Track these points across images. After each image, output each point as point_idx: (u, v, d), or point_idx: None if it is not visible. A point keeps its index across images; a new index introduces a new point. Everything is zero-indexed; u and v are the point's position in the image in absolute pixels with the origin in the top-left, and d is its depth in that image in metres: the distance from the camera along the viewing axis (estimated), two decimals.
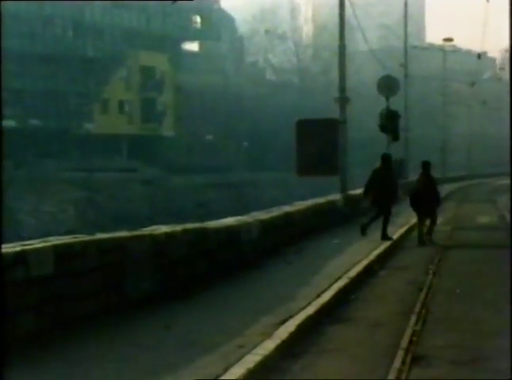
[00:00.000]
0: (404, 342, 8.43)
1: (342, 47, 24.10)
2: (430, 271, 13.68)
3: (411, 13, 56.77)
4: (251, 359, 7.31)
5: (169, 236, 10.85)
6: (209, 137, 74.94)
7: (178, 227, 11.41)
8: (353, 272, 12.73)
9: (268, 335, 8.21)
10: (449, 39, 65.73)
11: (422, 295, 11.32)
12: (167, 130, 71.50)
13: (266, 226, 15.17)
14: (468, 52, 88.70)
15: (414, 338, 8.66)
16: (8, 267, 7.49)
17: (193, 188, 61.68)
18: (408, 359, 7.78)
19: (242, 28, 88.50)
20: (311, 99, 75.72)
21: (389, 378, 7.26)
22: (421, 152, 50.87)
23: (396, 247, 17.64)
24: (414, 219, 20.88)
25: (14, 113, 56.44)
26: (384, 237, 17.68)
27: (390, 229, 18.21)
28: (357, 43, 66.05)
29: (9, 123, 51.72)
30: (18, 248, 7.82)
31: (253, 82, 79.85)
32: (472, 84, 67.03)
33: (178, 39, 75.92)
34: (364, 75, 68.94)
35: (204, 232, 12.17)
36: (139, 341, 8.11)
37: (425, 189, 18.34)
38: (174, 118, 72.49)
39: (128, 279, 9.69)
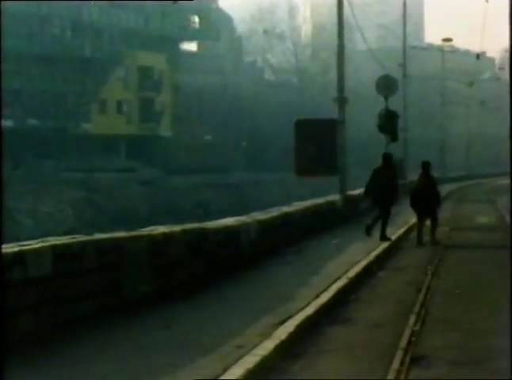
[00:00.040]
0: (403, 342, 8.42)
1: (341, 47, 24.08)
2: (429, 272, 13.66)
3: (410, 12, 56.82)
4: (250, 360, 7.29)
5: (167, 236, 10.84)
6: (208, 137, 74.91)
7: (177, 227, 11.40)
8: (352, 273, 12.72)
9: (267, 335, 8.20)
10: (448, 40, 65.79)
11: (421, 296, 11.31)
12: (165, 130, 71.48)
13: (265, 226, 15.16)
14: (467, 52, 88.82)
15: (413, 338, 8.65)
16: (6, 268, 7.47)
17: (192, 188, 61.66)
18: (407, 360, 7.77)
19: (241, 27, 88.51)
20: (309, 99, 75.75)
21: (388, 378, 7.25)
22: (419, 152, 50.94)
23: (395, 247, 17.62)
24: (413, 220, 20.89)
25: (12, 113, 56.42)
26: (383, 237, 17.67)
27: (389, 230, 18.19)
28: (356, 43, 66.17)
29: (6, 123, 51.66)
30: (16, 249, 7.80)
31: (251, 82, 79.89)
32: (471, 84, 67.08)
33: (176, 39, 75.90)
34: (363, 75, 68.94)
35: (202, 232, 12.16)
36: (138, 341, 8.10)
37: (425, 189, 18.35)
38: (173, 118, 72.46)
39: (126, 280, 9.67)
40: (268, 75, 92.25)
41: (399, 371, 7.40)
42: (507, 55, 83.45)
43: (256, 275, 12.76)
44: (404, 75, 45.76)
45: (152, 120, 70.22)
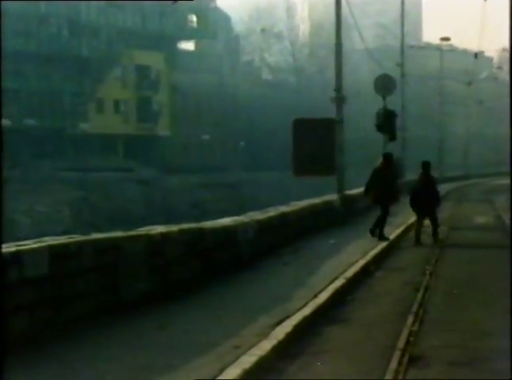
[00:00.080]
0: (401, 342, 8.41)
1: (339, 46, 24.03)
2: (427, 272, 13.64)
3: (408, 11, 56.72)
4: (247, 360, 7.28)
5: (165, 236, 10.81)
6: (205, 136, 74.88)
7: (174, 227, 11.37)
8: (349, 273, 12.70)
9: (264, 335, 8.18)
10: (446, 39, 65.72)
11: (419, 296, 11.29)
12: (163, 129, 71.42)
13: (263, 226, 15.13)
14: (465, 52, 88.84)
15: (411, 338, 8.64)
16: (3, 268, 7.44)
17: (189, 187, 61.64)
18: (405, 360, 7.76)
19: (238, 27, 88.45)
20: (307, 98, 75.68)
21: (386, 378, 7.24)
22: (418, 151, 50.96)
23: (393, 247, 17.61)
24: (411, 219, 20.88)
25: (9, 113, 56.31)
26: (381, 237, 17.66)
27: (387, 229, 18.19)
28: (354, 42, 66.01)
29: (4, 122, 51.55)
30: (13, 249, 7.77)
31: (249, 81, 79.85)
32: (469, 83, 67.08)
33: (174, 39, 75.82)
34: (361, 74, 68.98)
35: (200, 232, 12.13)
36: (135, 341, 8.08)
37: (425, 189, 18.39)
38: (170, 117, 72.40)
39: (123, 280, 9.64)
40: (265, 74, 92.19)
41: (396, 371, 7.40)
42: (505, 54, 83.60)
43: (253, 275, 12.73)
44: (402, 74, 45.71)
45: (150, 120, 70.17)
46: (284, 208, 18.34)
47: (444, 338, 8.79)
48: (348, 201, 23.56)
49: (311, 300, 10.19)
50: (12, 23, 54.55)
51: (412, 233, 18.97)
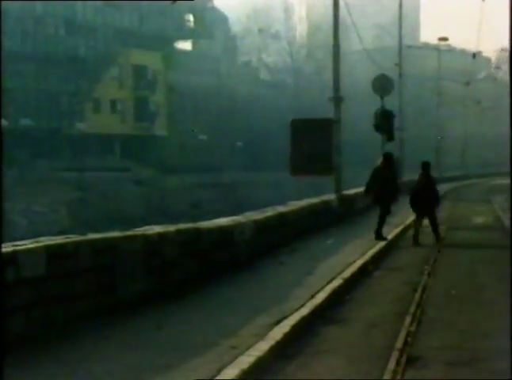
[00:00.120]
0: (399, 343, 8.40)
1: (336, 47, 24.04)
2: (425, 272, 13.63)
3: (406, 12, 56.79)
4: (245, 360, 7.27)
5: (162, 236, 10.78)
6: (203, 137, 74.86)
7: (171, 227, 11.34)
8: (347, 273, 12.68)
9: (262, 336, 8.17)
10: (444, 39, 65.79)
11: (417, 296, 11.27)
12: (160, 129, 71.40)
13: (260, 226, 15.10)
14: (463, 52, 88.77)
15: (409, 339, 8.62)
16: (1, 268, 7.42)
17: (187, 187, 61.59)
18: (403, 360, 7.75)
19: (236, 27, 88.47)
20: (305, 98, 75.71)
21: (384, 378, 7.22)
22: (416, 152, 50.95)
23: (391, 247, 17.59)
24: (409, 219, 20.87)
25: (6, 113, 56.25)
26: (378, 236, 17.64)
27: (385, 229, 18.17)
28: (352, 43, 65.95)
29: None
30: (10, 249, 7.74)
31: (246, 82, 79.85)
32: (467, 83, 66.99)
33: (171, 38, 75.79)
34: (359, 75, 68.91)
35: (197, 232, 12.10)
36: (133, 342, 8.05)
37: (424, 189, 18.43)
38: (167, 117, 72.39)
39: (120, 280, 9.61)
40: (263, 75, 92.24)
41: (394, 372, 7.39)
42: (504, 54, 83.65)
43: (251, 275, 12.70)
44: (400, 75, 45.73)
45: (147, 120, 70.14)
46: (281, 208, 18.30)
47: (442, 338, 8.77)
48: (346, 201, 23.56)
49: (308, 300, 10.17)
50: (8, 23, 54.49)
51: (410, 233, 18.97)
